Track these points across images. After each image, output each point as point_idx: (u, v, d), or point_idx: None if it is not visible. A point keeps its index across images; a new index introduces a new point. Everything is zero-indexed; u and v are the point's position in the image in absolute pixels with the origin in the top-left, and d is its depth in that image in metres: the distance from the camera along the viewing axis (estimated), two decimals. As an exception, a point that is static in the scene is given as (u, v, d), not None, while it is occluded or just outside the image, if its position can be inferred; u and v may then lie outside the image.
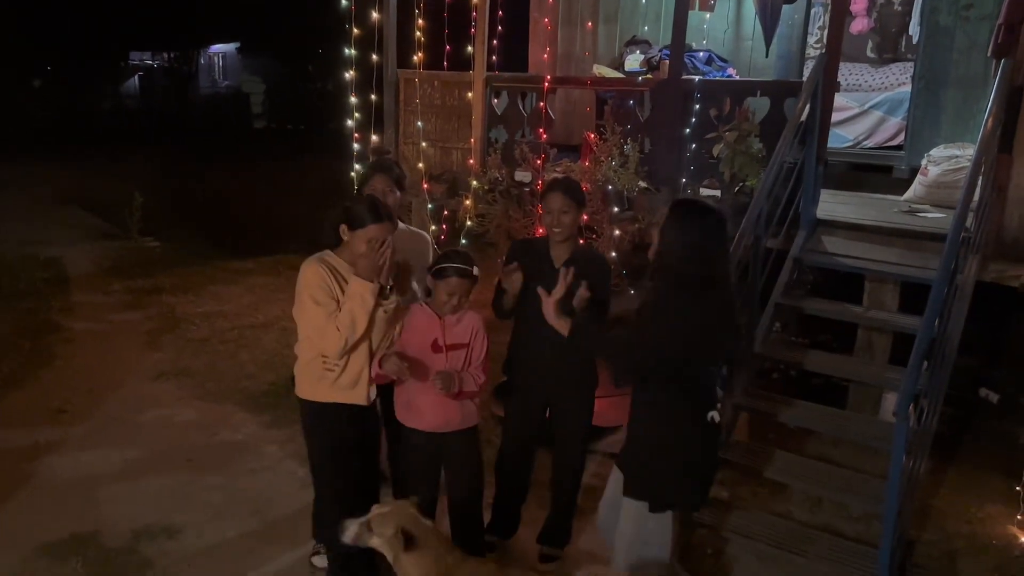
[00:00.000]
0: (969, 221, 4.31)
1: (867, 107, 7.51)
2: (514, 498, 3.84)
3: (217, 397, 5.39)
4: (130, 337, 6.67)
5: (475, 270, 3.17)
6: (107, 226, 11.02)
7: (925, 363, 3.83)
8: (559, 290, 2.94)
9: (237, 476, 4.35)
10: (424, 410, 3.21)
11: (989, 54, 4.49)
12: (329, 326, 2.96)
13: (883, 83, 7.78)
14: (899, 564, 3.64)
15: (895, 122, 7.32)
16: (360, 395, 3.13)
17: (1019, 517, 4.16)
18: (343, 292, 3.00)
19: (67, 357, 6.17)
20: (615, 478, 3.03)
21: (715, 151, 4.98)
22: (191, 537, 3.84)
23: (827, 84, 4.67)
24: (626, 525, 2.90)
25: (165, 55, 32.77)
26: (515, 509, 3.86)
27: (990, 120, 4.08)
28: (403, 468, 3.42)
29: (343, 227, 3.02)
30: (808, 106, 4.61)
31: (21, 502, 4.12)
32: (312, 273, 3.00)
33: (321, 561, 3.85)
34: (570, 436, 3.66)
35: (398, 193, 3.65)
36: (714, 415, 2.83)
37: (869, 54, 8.30)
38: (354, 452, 3.19)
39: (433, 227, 5.95)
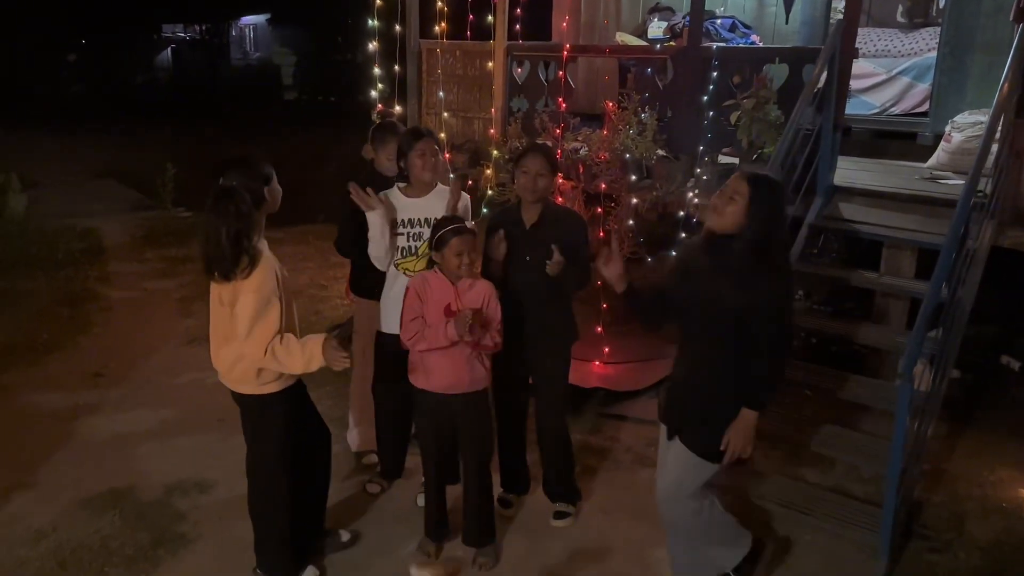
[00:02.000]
0: (987, 187, 4.32)
1: (894, 73, 7.41)
2: (512, 454, 3.98)
3: (247, 361, 5.57)
4: (164, 304, 6.89)
5: (469, 223, 3.35)
6: (140, 197, 11.29)
7: (939, 329, 3.87)
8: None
9: (265, 436, 4.52)
10: (433, 371, 3.35)
11: (1011, 19, 4.44)
12: (258, 332, 2.92)
13: (912, 48, 7.66)
14: (904, 524, 3.72)
15: (922, 88, 7.22)
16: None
17: (1030, 481, 4.21)
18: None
19: (104, 324, 6.41)
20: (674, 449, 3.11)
21: (733, 118, 4.99)
22: (222, 492, 4.03)
23: (844, 51, 4.66)
24: (680, 473, 3.07)
25: (197, 27, 32.99)
26: (517, 465, 4.01)
27: (1006, 85, 4.07)
28: (417, 431, 3.57)
29: (265, 188, 3.04)
30: (825, 73, 4.61)
31: (62, 459, 4.34)
32: (268, 266, 2.96)
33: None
34: (549, 394, 3.81)
35: (438, 153, 3.75)
36: None
37: (899, 19, 8.15)
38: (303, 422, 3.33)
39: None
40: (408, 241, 3.76)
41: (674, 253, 3.33)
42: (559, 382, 3.82)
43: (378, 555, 3.60)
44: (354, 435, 4.36)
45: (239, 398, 3.16)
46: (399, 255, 3.77)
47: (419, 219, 3.74)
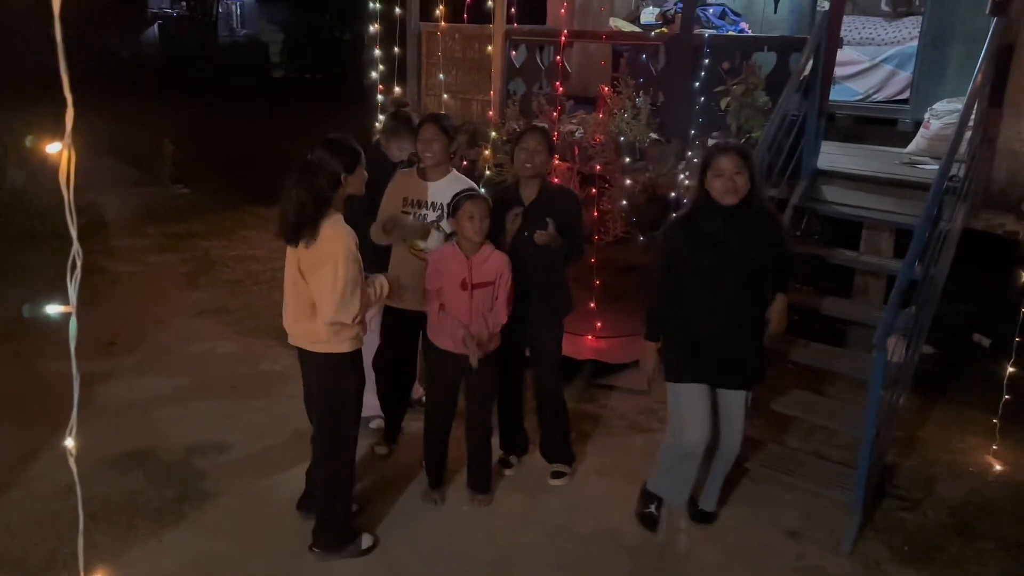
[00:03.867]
0: (960, 171, 4.58)
1: (877, 61, 7.66)
2: (512, 419, 4.24)
3: (255, 332, 5.79)
4: (169, 278, 7.08)
5: (481, 191, 3.65)
6: (137, 174, 11.39)
7: (914, 307, 4.14)
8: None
9: (278, 401, 4.76)
10: (451, 333, 3.64)
11: (987, 12, 4.68)
12: (354, 297, 3.14)
13: (895, 37, 7.90)
14: (877, 484, 4.01)
15: (905, 76, 7.47)
16: None
17: (994, 447, 4.50)
18: None
19: (112, 296, 6.59)
20: (704, 396, 3.53)
21: (723, 104, 5.23)
22: (239, 452, 4.27)
23: (829, 40, 4.89)
24: (745, 412, 3.63)
25: (184, 3, 32.73)
26: (516, 429, 4.27)
27: (980, 75, 4.33)
28: (428, 382, 3.85)
29: (343, 175, 3.18)
30: (811, 61, 4.84)
31: (83, 423, 4.35)
32: (352, 241, 3.14)
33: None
34: (545, 362, 4.07)
35: (445, 138, 3.90)
36: None
37: (884, 8, 8.39)
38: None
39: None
40: (415, 220, 3.96)
41: (677, 234, 3.54)
42: (554, 350, 4.08)
43: (421, 513, 3.86)
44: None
45: (317, 359, 3.31)
46: None
47: (427, 202, 3.94)
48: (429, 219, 3.94)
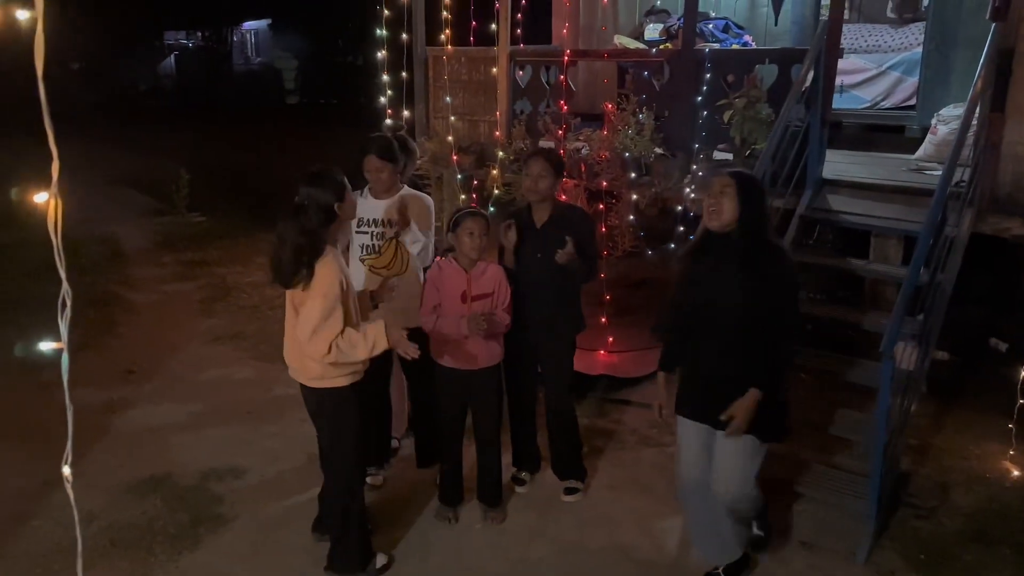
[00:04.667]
0: (964, 176, 4.58)
1: (884, 68, 7.67)
2: (524, 436, 4.26)
3: (270, 358, 5.84)
4: (185, 305, 7.18)
5: (481, 211, 3.69)
6: (154, 203, 11.56)
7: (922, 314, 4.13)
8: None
9: (292, 425, 4.80)
10: (453, 351, 3.70)
11: (987, 18, 4.69)
12: (323, 333, 3.08)
13: (901, 44, 7.90)
14: (891, 493, 3.99)
15: (912, 82, 7.46)
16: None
17: (1011, 453, 4.46)
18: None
19: (129, 324, 6.69)
20: (696, 434, 3.30)
21: (726, 117, 5.26)
22: (255, 477, 4.32)
23: (830, 50, 4.92)
24: (745, 463, 3.21)
25: (199, 34, 33.32)
26: (529, 446, 4.29)
27: (979, 81, 4.34)
28: (435, 402, 3.90)
29: (336, 205, 3.14)
30: (812, 72, 4.87)
31: (102, 450, 4.62)
32: (337, 280, 3.10)
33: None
34: (557, 380, 4.09)
35: (391, 165, 3.94)
36: None
37: (889, 14, 8.39)
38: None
39: (463, 196, 6.33)
40: (372, 240, 4.01)
41: (679, 265, 3.40)
42: (566, 369, 4.11)
43: (433, 530, 3.89)
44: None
45: (315, 394, 3.35)
46: (363, 252, 4.04)
47: (383, 220, 4.00)
48: (387, 236, 3.99)
